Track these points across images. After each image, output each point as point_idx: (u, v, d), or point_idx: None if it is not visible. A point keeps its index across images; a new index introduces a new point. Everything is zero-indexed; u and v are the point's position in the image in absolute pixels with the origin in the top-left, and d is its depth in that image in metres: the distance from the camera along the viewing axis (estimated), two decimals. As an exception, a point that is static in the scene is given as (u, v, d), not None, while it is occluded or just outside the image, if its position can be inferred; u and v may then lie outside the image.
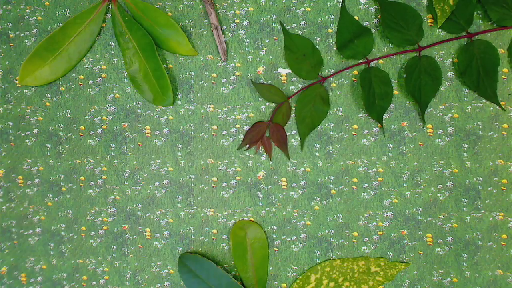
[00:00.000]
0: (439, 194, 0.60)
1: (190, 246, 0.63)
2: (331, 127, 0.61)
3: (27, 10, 0.64)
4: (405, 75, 0.60)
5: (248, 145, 0.61)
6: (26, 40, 0.64)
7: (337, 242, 0.61)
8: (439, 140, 0.61)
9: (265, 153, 0.62)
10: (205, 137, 0.62)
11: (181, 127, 0.62)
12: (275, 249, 0.62)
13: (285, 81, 0.62)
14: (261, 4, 0.62)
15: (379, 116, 0.60)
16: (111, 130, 0.63)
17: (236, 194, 0.62)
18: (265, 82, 0.62)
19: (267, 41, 0.62)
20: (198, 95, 0.62)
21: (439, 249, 0.61)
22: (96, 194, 0.63)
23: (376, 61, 0.61)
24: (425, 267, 0.61)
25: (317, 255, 0.61)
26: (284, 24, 0.61)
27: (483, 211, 0.60)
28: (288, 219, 0.62)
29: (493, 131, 0.60)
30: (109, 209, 0.63)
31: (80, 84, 0.63)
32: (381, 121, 0.60)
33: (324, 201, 0.61)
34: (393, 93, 0.61)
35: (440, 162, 0.60)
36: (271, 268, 0.62)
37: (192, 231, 0.62)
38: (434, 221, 0.60)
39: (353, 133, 0.61)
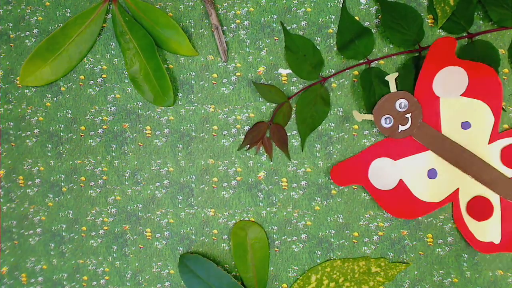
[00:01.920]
0: (439, 195, 0.60)
1: (190, 246, 0.63)
2: (332, 128, 0.61)
3: (27, 10, 0.63)
4: (405, 76, 0.60)
5: (248, 146, 0.61)
6: (27, 40, 0.64)
7: (337, 242, 0.61)
8: (440, 140, 0.61)
9: (266, 154, 0.62)
10: (206, 137, 0.62)
11: (182, 127, 0.62)
12: (276, 249, 0.62)
13: (286, 82, 0.62)
14: (261, 4, 0.62)
15: (379, 116, 0.60)
16: (111, 130, 0.63)
17: (236, 194, 0.62)
18: (266, 83, 0.62)
19: (267, 41, 0.62)
20: (199, 95, 0.62)
21: (439, 249, 0.61)
22: (96, 195, 0.63)
23: (376, 62, 0.61)
24: (425, 268, 0.61)
25: (318, 255, 0.61)
26: (284, 25, 0.61)
27: (483, 211, 0.60)
28: (289, 220, 0.62)
29: (494, 131, 0.60)
30: (109, 209, 0.63)
31: (81, 85, 0.63)
32: (381, 122, 0.60)
33: (325, 202, 0.61)
34: (394, 93, 0.61)
35: (441, 162, 0.60)
36: (271, 268, 0.62)
37: (193, 232, 0.62)
38: (434, 222, 0.60)
39: (354, 133, 0.61)
